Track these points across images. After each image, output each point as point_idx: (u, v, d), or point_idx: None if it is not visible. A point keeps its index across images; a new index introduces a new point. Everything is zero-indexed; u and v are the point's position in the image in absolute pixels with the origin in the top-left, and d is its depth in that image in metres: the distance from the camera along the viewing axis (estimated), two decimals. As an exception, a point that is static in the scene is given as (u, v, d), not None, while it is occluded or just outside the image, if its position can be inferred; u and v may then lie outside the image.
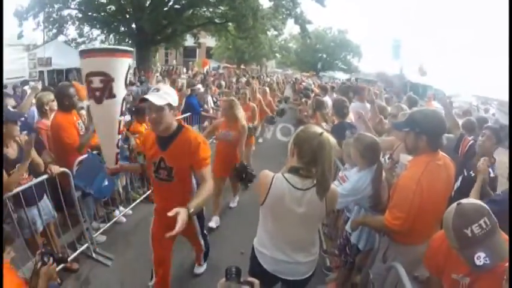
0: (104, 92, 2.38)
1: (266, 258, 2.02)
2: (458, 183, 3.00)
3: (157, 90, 2.19)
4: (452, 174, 2.25)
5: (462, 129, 3.62)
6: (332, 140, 1.79)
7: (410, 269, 2.12)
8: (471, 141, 3.26)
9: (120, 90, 2.46)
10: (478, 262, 1.46)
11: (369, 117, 5.11)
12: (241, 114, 4.27)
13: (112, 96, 2.42)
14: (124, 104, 2.64)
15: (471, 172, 2.95)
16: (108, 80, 2.35)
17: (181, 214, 1.78)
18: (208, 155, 2.33)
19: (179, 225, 1.74)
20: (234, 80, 13.08)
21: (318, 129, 1.82)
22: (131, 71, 3.45)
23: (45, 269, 2.03)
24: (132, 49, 2.78)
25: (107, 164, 2.76)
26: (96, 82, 2.35)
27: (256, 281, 1.35)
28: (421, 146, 2.12)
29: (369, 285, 2.58)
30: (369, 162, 2.58)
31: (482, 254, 1.45)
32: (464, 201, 1.59)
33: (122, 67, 2.45)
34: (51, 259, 2.09)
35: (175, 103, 2.25)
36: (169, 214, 1.75)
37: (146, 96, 2.12)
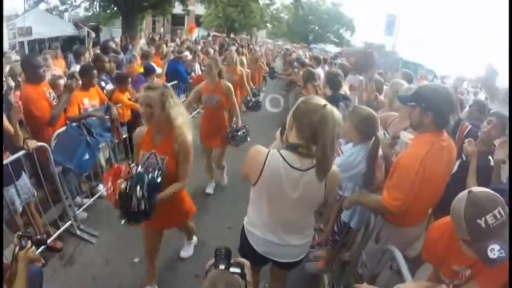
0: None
1: (257, 240, 1.90)
2: (455, 168, 2.90)
3: None
4: (454, 157, 2.14)
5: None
6: (336, 113, 1.57)
7: (401, 249, 2.05)
8: (469, 127, 3.14)
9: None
10: (491, 255, 1.33)
11: (363, 90, 4.99)
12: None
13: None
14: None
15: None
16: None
17: None
18: None
19: None
20: (221, 47, 12.65)
21: (321, 101, 1.61)
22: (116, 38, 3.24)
23: (23, 253, 1.90)
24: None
25: None
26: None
27: (246, 263, 1.29)
28: (426, 123, 1.98)
29: (361, 265, 2.54)
30: (365, 137, 2.46)
31: (496, 247, 1.32)
32: (475, 189, 1.46)
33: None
34: (29, 242, 1.96)
35: None
36: None
37: None
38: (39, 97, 3.25)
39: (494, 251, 1.32)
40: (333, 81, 4.13)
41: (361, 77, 5.33)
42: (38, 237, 2.13)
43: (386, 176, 2.29)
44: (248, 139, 4.16)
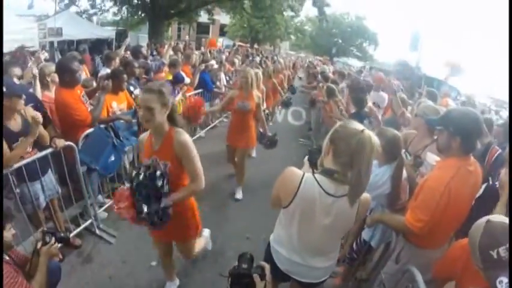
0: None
1: (281, 258, 1.90)
2: (480, 191, 2.84)
3: None
4: (479, 182, 2.12)
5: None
6: (374, 139, 1.52)
7: (421, 271, 2.02)
8: (499, 151, 3.11)
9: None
10: (499, 287, 1.34)
11: (385, 108, 4.93)
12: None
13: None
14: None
15: (496, 183, 2.79)
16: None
17: None
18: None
19: None
20: (245, 57, 12.76)
21: (359, 126, 1.57)
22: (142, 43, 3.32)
23: (47, 249, 1.99)
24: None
25: None
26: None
27: (267, 266, 1.42)
28: (453, 147, 1.97)
29: (380, 284, 2.50)
30: (390, 158, 2.46)
31: (505, 279, 1.33)
32: (494, 218, 1.46)
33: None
34: (53, 239, 2.05)
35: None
36: None
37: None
38: (76, 101, 3.32)
39: (503, 283, 1.34)
40: (358, 98, 4.10)
41: (384, 94, 5.29)
42: (62, 234, 2.19)
43: (411, 197, 2.28)
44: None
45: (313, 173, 1.67)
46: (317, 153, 2.03)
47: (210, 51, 11.65)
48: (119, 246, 3.47)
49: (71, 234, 3.31)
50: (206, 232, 3.25)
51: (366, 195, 1.68)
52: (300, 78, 11.95)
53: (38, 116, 2.59)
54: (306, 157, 2.03)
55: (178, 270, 3.08)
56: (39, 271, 1.94)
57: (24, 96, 2.62)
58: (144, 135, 2.33)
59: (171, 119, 2.17)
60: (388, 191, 2.47)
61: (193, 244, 2.70)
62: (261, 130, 4.62)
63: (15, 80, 2.60)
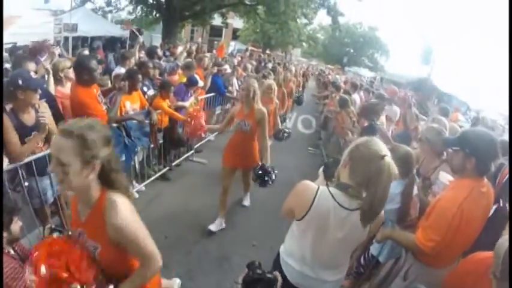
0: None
1: (292, 271, 1.88)
2: (490, 212, 2.82)
3: None
4: (491, 203, 2.12)
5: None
6: (393, 167, 1.51)
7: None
8: None
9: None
10: None
11: (397, 121, 4.90)
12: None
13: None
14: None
15: (507, 204, 2.76)
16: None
17: None
18: None
19: None
20: (258, 63, 12.74)
21: (381, 150, 1.55)
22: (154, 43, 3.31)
23: None
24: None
25: None
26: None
27: (278, 275, 1.48)
28: (468, 168, 1.97)
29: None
30: (401, 175, 2.43)
31: None
32: None
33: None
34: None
35: None
36: None
37: None
38: (93, 100, 3.31)
39: None
40: (371, 112, 4.06)
41: (397, 108, 5.26)
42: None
43: (421, 215, 2.28)
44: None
45: (328, 186, 1.67)
46: (332, 166, 2.03)
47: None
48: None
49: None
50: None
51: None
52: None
53: (44, 126, 2.61)
54: (321, 169, 2.03)
55: (182, 274, 3.07)
56: None
57: (39, 91, 2.63)
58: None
59: (106, 179, 1.46)
60: (397, 206, 2.48)
61: None
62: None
63: (32, 74, 2.60)
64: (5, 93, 2.47)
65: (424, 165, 2.88)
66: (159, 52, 7.40)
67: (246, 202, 4.63)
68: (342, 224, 1.63)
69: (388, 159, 1.52)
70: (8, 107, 2.54)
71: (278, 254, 2.00)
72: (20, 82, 2.43)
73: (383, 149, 1.56)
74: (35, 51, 4.53)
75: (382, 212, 1.71)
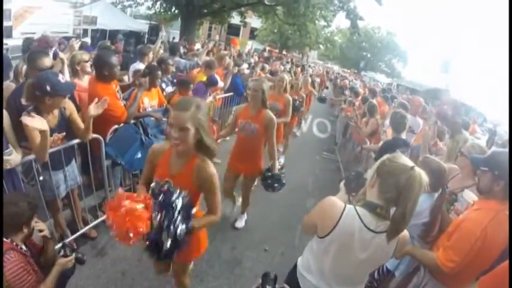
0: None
1: (308, 285, 1.81)
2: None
3: None
4: None
5: None
6: (424, 177, 1.47)
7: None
8: None
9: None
10: None
11: (420, 133, 4.78)
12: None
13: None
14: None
15: None
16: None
17: None
18: None
19: None
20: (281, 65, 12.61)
21: (409, 162, 1.53)
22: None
23: (64, 261, 2.05)
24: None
25: None
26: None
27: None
28: (495, 190, 1.96)
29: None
30: (431, 188, 2.37)
31: None
32: None
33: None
34: (73, 255, 2.12)
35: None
36: None
37: None
38: (112, 97, 3.23)
39: None
40: (398, 124, 3.87)
41: (420, 120, 5.13)
42: (80, 255, 2.23)
43: (442, 231, 2.29)
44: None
45: (355, 205, 1.62)
46: (354, 180, 1.97)
47: (239, 55, 11.67)
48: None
49: (88, 227, 3.33)
50: None
51: (405, 233, 1.61)
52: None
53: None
54: (342, 183, 2.01)
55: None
56: (50, 278, 1.95)
57: (68, 95, 2.59)
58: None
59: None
60: (425, 220, 2.42)
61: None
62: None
63: (60, 79, 2.51)
64: (30, 95, 2.38)
65: (453, 181, 2.79)
66: (181, 49, 7.36)
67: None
68: (366, 245, 1.57)
69: (418, 169, 1.48)
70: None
71: (295, 266, 1.95)
72: (48, 88, 2.34)
73: (409, 162, 1.52)
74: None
75: (407, 232, 1.67)
